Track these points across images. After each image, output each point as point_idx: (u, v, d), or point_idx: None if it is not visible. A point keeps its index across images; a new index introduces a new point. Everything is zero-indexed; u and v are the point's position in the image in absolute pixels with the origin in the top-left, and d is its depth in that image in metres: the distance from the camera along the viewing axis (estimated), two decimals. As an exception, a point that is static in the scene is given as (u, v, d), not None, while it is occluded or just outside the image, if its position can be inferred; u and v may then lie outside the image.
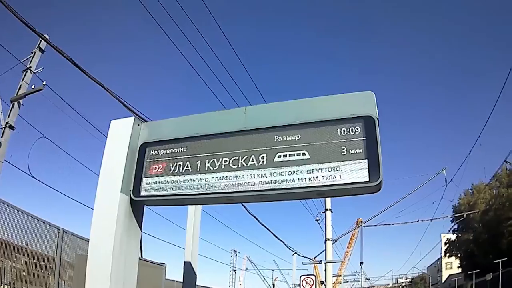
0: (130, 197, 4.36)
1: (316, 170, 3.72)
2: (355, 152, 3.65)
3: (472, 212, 41.81)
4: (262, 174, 3.90)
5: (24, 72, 16.73)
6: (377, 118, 3.76)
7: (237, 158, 4.07)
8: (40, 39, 16.11)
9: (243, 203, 12.38)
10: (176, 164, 4.33)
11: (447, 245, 57.81)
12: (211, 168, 4.14)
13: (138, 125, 4.75)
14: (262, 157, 3.97)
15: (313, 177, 3.70)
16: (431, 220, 33.77)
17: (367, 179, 3.52)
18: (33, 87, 16.30)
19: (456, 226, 50.82)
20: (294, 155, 3.86)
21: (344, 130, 3.78)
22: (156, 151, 4.52)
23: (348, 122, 3.81)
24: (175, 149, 4.42)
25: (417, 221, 32.42)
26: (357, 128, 3.75)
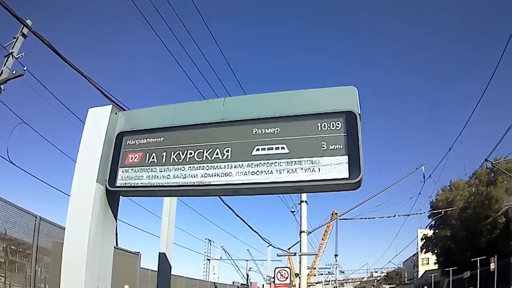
0: (106, 187, 4.25)
1: (295, 164, 3.64)
2: (335, 147, 3.58)
3: (451, 209, 42.21)
4: (239, 167, 3.81)
5: (6, 58, 16.45)
6: (359, 114, 3.69)
7: (214, 150, 3.98)
8: (22, 25, 15.93)
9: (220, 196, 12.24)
10: (153, 155, 4.22)
11: (424, 240, 58.32)
12: (188, 160, 4.03)
13: (116, 113, 4.62)
14: (240, 150, 3.88)
15: (292, 172, 3.62)
16: (408, 215, 34.08)
17: (347, 176, 3.45)
18: (14, 72, 15.99)
19: (433, 222, 51.28)
20: (272, 148, 3.77)
21: (324, 125, 3.70)
22: (132, 141, 4.40)
23: (329, 117, 3.73)
24: (151, 139, 4.31)
25: (394, 216, 32.69)
26: (338, 124, 3.67)
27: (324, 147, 3.60)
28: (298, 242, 25.20)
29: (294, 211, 28.31)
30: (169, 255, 7.32)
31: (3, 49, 16.41)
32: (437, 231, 52.03)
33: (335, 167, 3.50)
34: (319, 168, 3.55)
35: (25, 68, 15.65)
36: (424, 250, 59.60)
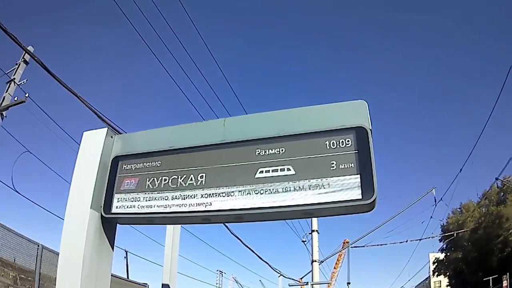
0: (101, 214, 3.98)
1: (302, 187, 3.34)
2: (346, 167, 3.29)
3: (462, 230, 41.64)
4: (242, 192, 3.51)
5: (8, 84, 16.36)
6: (370, 130, 3.41)
7: (214, 173, 3.70)
8: (24, 51, 15.94)
9: (224, 223, 11.86)
10: (149, 180, 3.95)
11: (436, 264, 57.60)
12: (186, 185, 3.75)
13: (112, 137, 4.38)
14: (242, 173, 3.59)
15: (299, 195, 3.32)
16: (420, 240, 33.34)
17: (360, 197, 3.15)
18: (15, 99, 15.91)
19: (444, 246, 50.68)
20: (277, 170, 3.48)
21: (333, 142, 3.42)
22: (128, 165, 4.14)
23: (338, 134, 3.45)
24: (148, 163, 4.04)
25: (406, 241, 31.97)
26: (348, 141, 3.39)
27: (333, 167, 3.31)
28: (310, 272, 24.74)
29: (306, 241, 27.85)
30: (173, 287, 6.98)
31: (5, 75, 16.35)
32: (448, 253, 51.45)
33: (347, 187, 3.21)
34: (329, 190, 3.25)
35: (26, 95, 15.56)
36: (436, 273, 58.80)
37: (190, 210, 3.64)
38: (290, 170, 3.44)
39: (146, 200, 3.86)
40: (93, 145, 4.27)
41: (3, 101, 15.97)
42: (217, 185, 3.63)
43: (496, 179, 29.36)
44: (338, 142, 3.40)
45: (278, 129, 3.67)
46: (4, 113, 15.83)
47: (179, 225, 7.31)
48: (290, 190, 3.37)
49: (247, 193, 3.48)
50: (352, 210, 3.28)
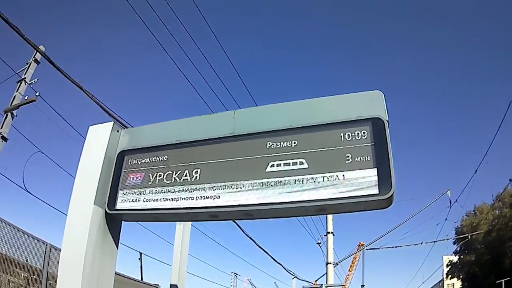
0: (105, 211, 3.83)
1: (315, 181, 3.16)
2: (362, 159, 3.10)
3: (476, 233, 41.22)
4: (252, 186, 3.34)
5: (19, 83, 16.31)
6: (387, 121, 3.22)
7: (223, 168, 3.54)
8: (36, 50, 15.93)
9: (235, 221, 11.60)
10: (156, 175, 3.80)
11: (449, 266, 57.01)
12: (193, 179, 3.60)
13: (118, 131, 4.24)
14: (252, 167, 3.42)
15: (312, 190, 3.14)
16: (434, 242, 32.89)
17: (377, 192, 2.96)
18: (26, 98, 15.84)
19: (458, 248, 50.19)
20: (289, 164, 3.30)
21: (348, 134, 3.24)
22: (134, 160, 3.99)
23: (353, 125, 3.27)
24: (154, 158, 3.89)
25: (421, 244, 31.52)
26: (364, 133, 3.20)
27: (349, 160, 3.13)
28: (324, 274, 24.48)
29: (321, 243, 27.55)
30: (182, 287, 6.81)
31: (16, 75, 16.31)
32: (462, 256, 50.88)
33: (363, 182, 3.02)
34: (344, 184, 3.07)
35: (37, 94, 15.45)
36: (450, 276, 58.21)
37: (197, 206, 3.48)
38: (303, 163, 3.26)
39: (152, 196, 3.71)
40: (98, 140, 4.14)
41: (13, 100, 15.92)
42: (225, 180, 3.46)
43: (510, 180, 28.90)
44: (353, 134, 3.22)
45: (290, 121, 3.50)
46: (14, 112, 15.77)
47: (189, 224, 7.16)
48: (302, 184, 3.18)
49: (257, 188, 3.31)
50: (368, 206, 3.09)
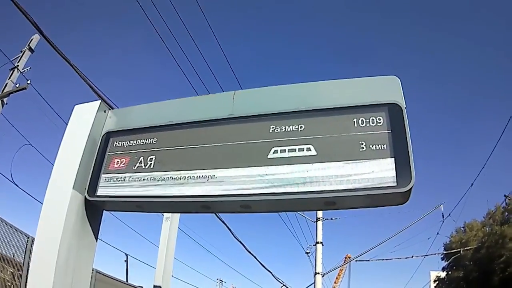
0: (85, 197, 3.44)
1: (324, 170, 2.79)
2: (377, 148, 2.74)
3: (468, 248, 41.09)
4: (251, 174, 2.95)
5: (11, 71, 15.98)
6: (405, 108, 2.86)
7: (218, 152, 3.16)
8: (30, 39, 15.93)
9: (225, 223, 11.12)
10: (142, 159, 3.41)
11: (437, 282, 56.89)
12: (185, 165, 3.21)
13: (105, 111, 3.87)
14: (253, 152, 3.04)
15: (321, 180, 2.76)
16: (425, 256, 32.54)
17: (394, 184, 2.59)
18: (17, 85, 15.50)
19: (446, 264, 50.09)
20: (295, 150, 2.93)
21: (362, 120, 2.88)
22: (120, 143, 3.61)
23: (368, 110, 2.91)
24: (142, 140, 3.51)
25: (412, 257, 31.16)
26: (380, 119, 2.85)
27: (363, 148, 2.76)
28: (312, 284, 24.13)
29: (309, 252, 27.21)
30: (166, 288, 6.40)
31: (10, 62, 16.02)
32: (450, 272, 50.76)
33: (378, 172, 2.65)
34: (356, 175, 2.69)
35: (28, 82, 15.12)
36: (437, 292, 58.07)
37: (187, 194, 3.09)
38: (310, 150, 2.89)
39: (136, 183, 3.32)
40: (83, 119, 3.77)
41: (5, 87, 15.59)
42: (221, 166, 3.08)
43: (505, 196, 28.67)
44: (368, 120, 2.87)
45: (296, 103, 3.14)
46: (5, 100, 15.42)
47: (176, 221, 6.76)
48: (309, 173, 2.81)
49: (257, 176, 2.93)
50: (383, 200, 2.73)
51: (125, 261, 23.42)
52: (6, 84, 15.67)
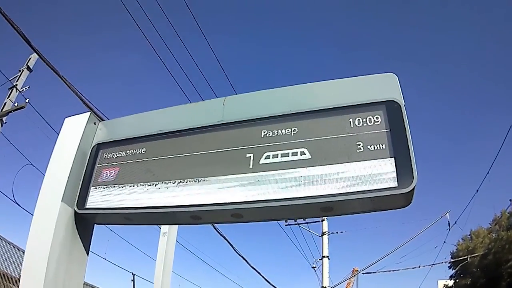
0: (75, 210, 3.33)
1: (320, 174, 2.63)
2: (376, 148, 2.59)
3: (475, 255, 40.95)
4: (242, 182, 2.81)
5: (10, 90, 16.06)
6: (404, 105, 2.73)
7: (207, 160, 3.03)
8: (29, 58, 16.00)
9: (225, 238, 10.94)
10: (131, 170, 3.28)
11: (444, 291, 56.59)
12: (173, 175, 3.08)
13: (95, 123, 3.77)
14: (244, 159, 2.90)
15: (316, 184, 2.61)
16: (432, 265, 32.32)
17: (395, 184, 2.43)
18: (16, 104, 15.57)
19: (453, 272, 49.86)
20: (288, 154, 2.78)
21: (359, 120, 2.73)
22: (109, 154, 3.50)
23: (364, 109, 2.77)
24: (131, 151, 3.39)
25: (419, 267, 30.93)
26: (377, 118, 2.70)
27: (360, 149, 2.61)
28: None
29: (316, 267, 27.03)
30: (165, 305, 6.24)
31: (8, 82, 16.12)
32: (457, 280, 50.52)
33: (377, 174, 2.49)
34: (354, 177, 2.54)
35: (27, 100, 15.23)
36: (445, 301, 57.68)
37: (175, 204, 2.95)
38: (304, 153, 2.74)
39: (124, 194, 3.19)
40: (72, 131, 3.68)
41: (3, 107, 15.63)
42: (211, 174, 2.94)
43: (511, 200, 28.60)
44: (364, 119, 2.72)
45: (289, 106, 3.00)
46: (4, 119, 15.46)
47: (174, 236, 6.62)
48: (304, 178, 2.66)
49: (249, 183, 2.78)
50: (384, 203, 2.56)
51: (131, 280, 23.42)
52: (5, 103, 15.74)
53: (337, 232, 25.93)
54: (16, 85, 15.99)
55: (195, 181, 2.95)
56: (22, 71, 16.46)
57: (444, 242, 31.31)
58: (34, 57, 16.29)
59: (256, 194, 2.72)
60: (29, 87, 16.32)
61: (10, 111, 15.47)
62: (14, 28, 9.12)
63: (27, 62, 16.50)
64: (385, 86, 2.86)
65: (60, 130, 3.77)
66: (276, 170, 2.75)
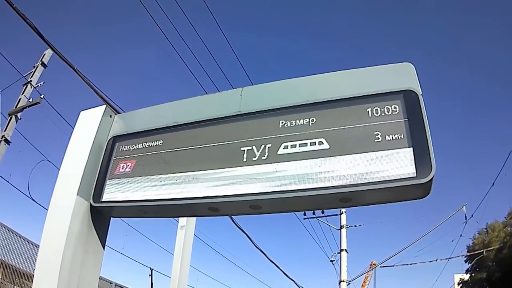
0: (90, 204, 3.34)
1: (338, 163, 2.62)
2: (394, 138, 2.57)
3: (490, 248, 40.67)
4: (261, 173, 2.80)
5: (25, 86, 16.14)
6: (421, 94, 2.71)
7: (225, 151, 3.02)
8: (43, 54, 16.19)
9: (244, 231, 10.90)
10: (148, 162, 3.30)
11: (460, 285, 56.21)
12: (191, 166, 3.08)
13: (110, 116, 3.78)
14: (262, 150, 2.89)
15: (335, 175, 2.60)
16: (449, 259, 32.02)
17: (414, 175, 2.41)
18: (30, 100, 15.61)
19: (469, 266, 49.55)
20: (306, 144, 2.77)
21: (377, 110, 2.71)
22: (126, 147, 3.51)
23: (382, 99, 2.75)
24: (148, 143, 3.40)
25: (436, 260, 30.69)
26: (395, 107, 2.68)
27: (378, 138, 2.59)
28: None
29: (334, 260, 26.95)
30: (183, 300, 6.24)
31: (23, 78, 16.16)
32: (473, 274, 50.23)
33: (396, 163, 2.48)
34: (373, 167, 2.52)
35: (42, 96, 15.23)
36: (461, 294, 57.35)
37: (193, 196, 2.95)
38: (322, 143, 2.73)
39: (140, 186, 3.20)
40: (88, 125, 3.68)
41: (18, 103, 15.71)
42: (229, 165, 2.94)
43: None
44: (382, 109, 2.70)
45: (306, 96, 2.98)
46: (19, 115, 15.54)
47: (192, 230, 6.61)
48: (322, 168, 2.65)
49: (267, 174, 2.77)
50: (403, 193, 2.54)
51: (149, 275, 23.50)
52: (20, 99, 15.80)
53: (355, 226, 25.78)
54: (31, 81, 16.01)
55: (213, 173, 2.95)
56: (37, 67, 16.45)
57: (461, 235, 30.96)
58: (48, 52, 16.28)
59: (275, 185, 2.72)
60: (43, 83, 16.33)
61: (25, 107, 15.52)
62: (26, 22, 9.13)
63: (42, 58, 16.47)
64: (402, 75, 2.84)
65: (75, 124, 3.79)
66: (295, 160, 2.74)
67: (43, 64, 16.51)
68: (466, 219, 26.12)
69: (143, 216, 3.44)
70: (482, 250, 38.46)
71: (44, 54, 16.40)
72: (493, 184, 25.04)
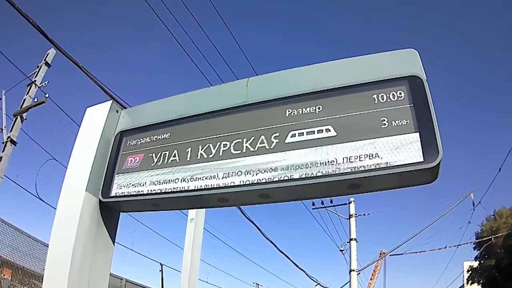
0: (99, 199, 3.37)
1: (346, 150, 2.64)
2: (400, 124, 2.59)
3: (499, 235, 40.55)
4: (269, 162, 2.82)
5: (29, 86, 16.09)
6: (426, 80, 2.71)
7: (233, 142, 3.04)
8: (47, 53, 16.11)
9: (255, 223, 10.91)
10: (156, 155, 3.32)
11: (470, 272, 56.18)
12: (198, 157, 3.11)
13: (117, 111, 3.80)
14: (270, 139, 2.91)
15: (343, 161, 2.62)
16: (458, 246, 31.93)
17: (421, 159, 2.43)
18: (35, 100, 15.59)
19: (478, 253, 49.44)
20: (314, 132, 2.79)
21: (382, 96, 2.72)
22: (133, 141, 3.54)
23: (387, 85, 2.76)
24: (155, 136, 3.43)
25: (445, 248, 30.61)
26: (400, 93, 2.69)
27: (385, 124, 2.61)
28: (348, 283, 23.86)
29: (343, 250, 26.94)
30: (193, 292, 6.27)
31: (27, 78, 16.14)
32: (482, 261, 50.11)
33: (403, 149, 2.49)
34: (380, 153, 2.54)
35: (46, 95, 15.17)
36: (470, 281, 57.30)
37: (201, 187, 2.98)
38: (329, 131, 2.75)
39: (150, 179, 3.23)
40: (95, 120, 3.70)
41: (23, 103, 15.69)
42: (236, 156, 2.96)
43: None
44: (388, 95, 2.71)
45: (312, 84, 2.99)
46: (24, 115, 15.53)
47: (202, 223, 6.63)
48: (330, 155, 2.67)
49: (276, 163, 2.80)
50: (410, 179, 2.55)
51: (160, 271, 23.55)
52: (24, 99, 15.79)
53: (364, 214, 25.73)
54: (35, 81, 15.97)
55: (221, 163, 2.98)
56: (41, 66, 16.41)
57: (469, 222, 30.85)
58: (52, 52, 16.23)
59: (283, 173, 2.74)
60: (48, 82, 16.29)
61: (30, 107, 15.50)
62: (30, 22, 9.15)
63: (45, 58, 16.43)
64: (406, 61, 2.85)
65: (82, 120, 3.80)
66: (302, 148, 2.76)
67: (46, 63, 16.44)
68: (474, 205, 25.95)
69: (153, 209, 3.46)
70: (490, 237, 38.34)
71: (48, 54, 16.33)
72: (499, 170, 24.87)
